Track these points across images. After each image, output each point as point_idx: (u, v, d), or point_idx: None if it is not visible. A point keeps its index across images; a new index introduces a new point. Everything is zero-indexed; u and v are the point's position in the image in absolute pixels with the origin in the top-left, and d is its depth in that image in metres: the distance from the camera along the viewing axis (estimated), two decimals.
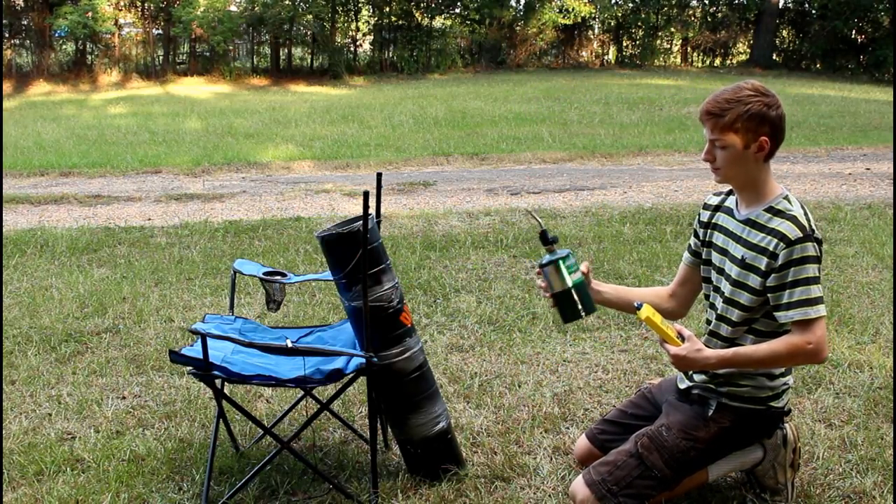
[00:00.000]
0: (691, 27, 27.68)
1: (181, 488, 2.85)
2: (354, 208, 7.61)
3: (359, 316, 2.68)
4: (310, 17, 23.76)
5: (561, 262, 2.44)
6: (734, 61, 27.90)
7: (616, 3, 27.55)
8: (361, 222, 2.60)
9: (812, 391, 3.57)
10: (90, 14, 21.04)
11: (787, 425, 2.72)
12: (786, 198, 2.42)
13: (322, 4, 23.90)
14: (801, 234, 2.33)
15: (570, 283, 2.45)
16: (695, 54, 28.40)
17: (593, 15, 26.66)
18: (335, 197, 8.37)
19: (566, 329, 4.31)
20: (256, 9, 23.23)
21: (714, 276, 2.59)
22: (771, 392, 2.53)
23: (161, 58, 23.60)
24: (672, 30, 27.80)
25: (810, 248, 2.34)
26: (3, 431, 3.24)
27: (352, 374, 2.69)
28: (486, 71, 24.99)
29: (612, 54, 28.08)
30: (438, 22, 26.14)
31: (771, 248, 2.36)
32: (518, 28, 26.11)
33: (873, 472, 2.89)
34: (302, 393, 3.14)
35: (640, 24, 27.50)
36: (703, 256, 2.64)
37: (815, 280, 2.34)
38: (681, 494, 2.66)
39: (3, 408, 3.46)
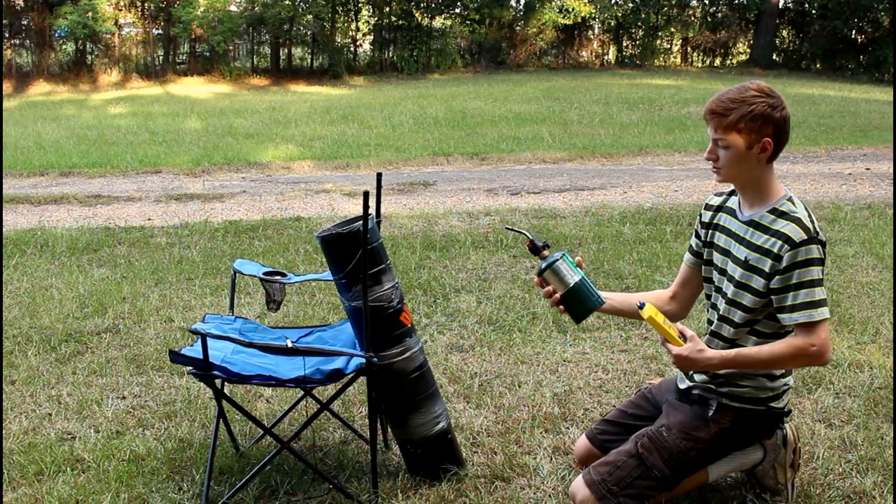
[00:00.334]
0: (691, 27, 27.67)
1: (181, 488, 2.85)
2: (354, 208, 7.61)
3: (359, 316, 2.68)
4: (310, 17, 23.75)
5: (558, 263, 2.44)
6: (734, 61, 27.89)
7: (616, 3, 27.53)
8: (361, 222, 2.60)
9: (812, 391, 3.57)
10: (90, 14, 21.03)
11: (787, 425, 2.72)
12: (789, 199, 2.42)
13: (322, 4, 23.90)
14: (805, 237, 2.33)
15: (573, 280, 2.43)
16: (695, 54, 28.39)
17: (593, 15, 26.63)
18: (335, 197, 8.37)
19: (566, 329, 4.31)
20: (256, 9, 23.22)
21: (716, 276, 2.59)
22: (771, 393, 2.53)
23: (161, 58, 23.59)
24: (672, 30, 27.79)
25: (814, 251, 2.34)
26: (3, 431, 3.24)
27: (352, 374, 2.69)
28: (486, 71, 24.99)
29: (612, 54, 28.07)
30: (438, 22, 26.13)
31: (775, 251, 2.36)
32: (518, 28, 26.10)
33: (873, 472, 2.89)
34: (302, 393, 3.14)
35: (640, 24, 27.49)
36: (705, 257, 2.63)
37: (818, 283, 2.34)
38: (681, 495, 2.66)
39: (3, 408, 3.46)
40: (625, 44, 28.29)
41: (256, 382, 2.74)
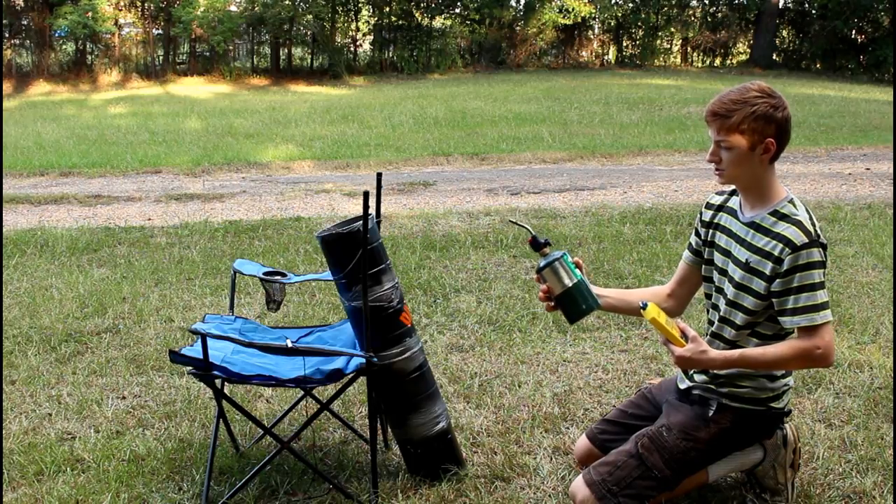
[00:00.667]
0: (691, 27, 27.66)
1: (181, 488, 2.85)
2: (354, 208, 7.61)
3: (359, 316, 2.68)
4: (310, 17, 23.75)
5: (558, 262, 2.44)
6: (734, 61, 27.88)
7: (616, 3, 27.54)
8: (361, 222, 2.60)
9: (812, 391, 3.57)
10: (90, 14, 21.02)
11: (787, 425, 2.72)
12: (791, 201, 2.41)
13: (322, 4, 23.89)
14: (806, 240, 2.32)
15: (571, 281, 2.43)
16: (695, 54, 28.38)
17: (593, 15, 26.63)
18: (335, 197, 8.37)
19: (566, 329, 4.31)
20: (256, 9, 23.22)
21: (716, 276, 2.59)
22: (771, 393, 2.53)
23: (161, 58, 23.59)
24: (672, 30, 27.79)
25: (816, 254, 2.33)
26: (3, 431, 3.24)
27: (352, 374, 2.69)
28: (486, 71, 24.99)
29: (612, 54, 28.06)
30: (438, 22, 26.12)
31: (776, 253, 2.35)
32: (518, 28, 26.10)
33: (873, 472, 2.89)
34: (302, 393, 3.14)
35: (640, 24, 27.48)
36: (705, 256, 2.63)
37: (820, 286, 2.34)
38: (681, 495, 2.66)
39: (3, 408, 3.46)
40: (625, 44, 28.29)
41: (256, 382, 2.74)
